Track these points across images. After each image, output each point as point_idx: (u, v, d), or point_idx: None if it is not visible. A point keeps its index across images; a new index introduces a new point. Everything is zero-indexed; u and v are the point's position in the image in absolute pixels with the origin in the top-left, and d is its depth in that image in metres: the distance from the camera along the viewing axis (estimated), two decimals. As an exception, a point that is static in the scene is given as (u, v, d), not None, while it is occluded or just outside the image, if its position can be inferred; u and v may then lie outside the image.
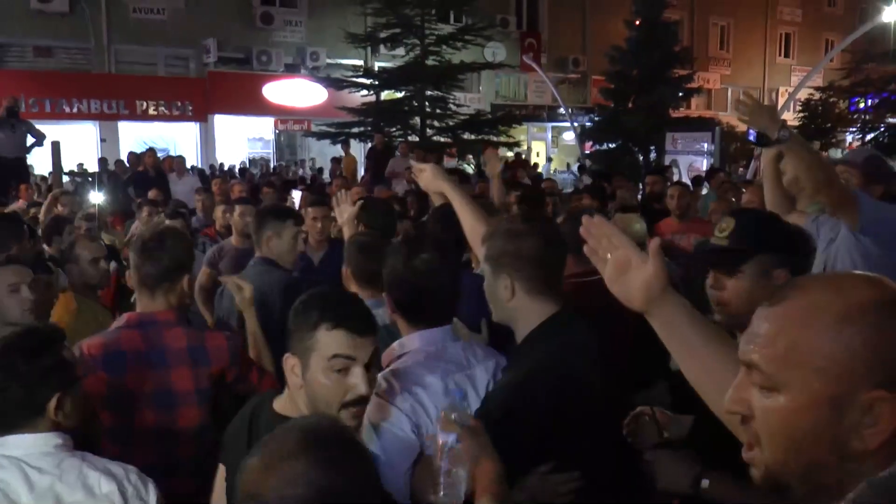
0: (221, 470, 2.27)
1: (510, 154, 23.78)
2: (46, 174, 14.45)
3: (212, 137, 23.87)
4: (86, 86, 21.66)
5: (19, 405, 2.21)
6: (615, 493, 2.30)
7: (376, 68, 22.04)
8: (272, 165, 23.34)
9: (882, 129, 27.71)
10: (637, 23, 21.20)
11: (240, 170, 20.12)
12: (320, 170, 21.37)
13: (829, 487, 1.16)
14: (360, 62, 22.60)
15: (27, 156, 12.51)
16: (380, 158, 14.66)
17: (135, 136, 21.55)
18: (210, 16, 22.69)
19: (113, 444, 2.75)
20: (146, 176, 12.33)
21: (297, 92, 24.25)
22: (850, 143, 28.62)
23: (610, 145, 21.62)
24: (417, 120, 19.11)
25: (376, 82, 20.22)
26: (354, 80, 20.25)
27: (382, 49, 21.41)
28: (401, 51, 19.76)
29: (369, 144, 17.84)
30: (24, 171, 12.41)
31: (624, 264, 1.74)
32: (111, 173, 15.69)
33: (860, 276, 1.26)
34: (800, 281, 1.29)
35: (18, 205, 8.81)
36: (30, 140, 12.19)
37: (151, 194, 9.33)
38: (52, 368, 2.25)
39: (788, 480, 1.21)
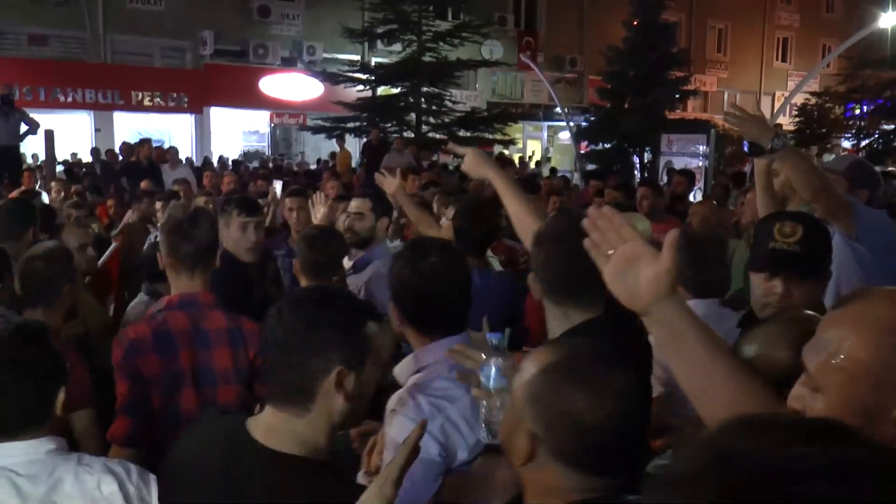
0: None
1: (506, 151, 23.79)
2: (39, 163, 14.40)
3: (207, 130, 23.79)
4: (81, 75, 21.55)
5: (28, 406, 2.10)
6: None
7: (373, 64, 21.99)
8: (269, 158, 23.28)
9: (876, 136, 27.76)
10: (635, 23, 21.21)
11: (233, 162, 20.03)
12: (326, 162, 21.28)
13: None
14: (356, 57, 22.53)
15: (20, 144, 12.44)
16: (375, 154, 14.63)
17: (130, 127, 21.45)
18: (207, 8, 22.61)
19: (157, 426, 2.74)
20: (139, 166, 12.29)
21: (293, 86, 24.18)
22: (850, 149, 28.65)
23: (605, 145, 21.64)
24: (413, 116, 19.09)
25: (373, 78, 20.18)
26: (351, 74, 20.21)
27: (379, 44, 21.34)
28: (398, 46, 19.74)
29: (364, 139, 17.82)
30: (17, 159, 12.34)
31: (631, 259, 1.60)
32: (104, 163, 15.63)
33: None
34: (867, 290, 1.29)
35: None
36: (23, 128, 12.12)
37: (144, 185, 9.29)
38: (55, 362, 2.18)
39: None
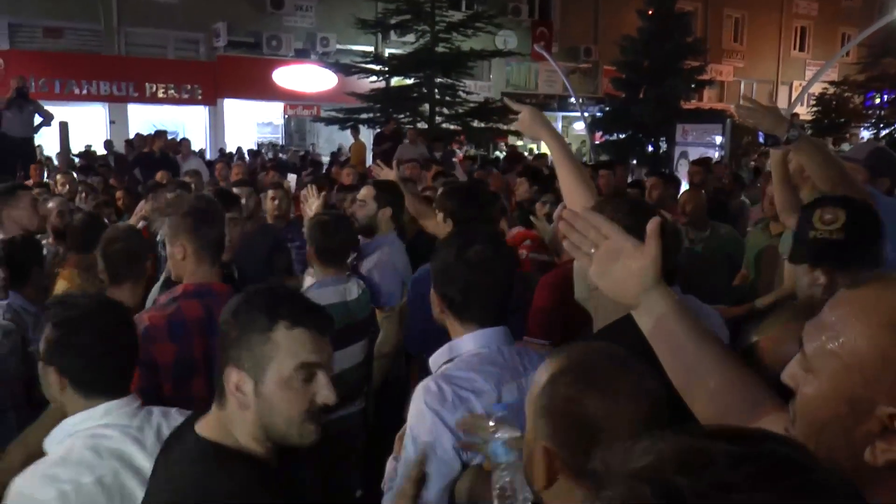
0: None
1: (520, 142, 23.69)
2: (54, 155, 14.46)
3: (221, 121, 23.84)
4: (96, 67, 21.63)
5: (117, 372, 2.20)
6: None
7: (386, 54, 21.94)
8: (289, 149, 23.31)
9: (897, 125, 27.50)
10: (650, 13, 21.06)
11: (250, 152, 20.08)
12: (334, 153, 21.27)
13: None
14: (370, 48, 22.49)
15: (35, 136, 12.49)
16: (387, 147, 14.58)
17: (144, 119, 21.49)
18: (221, 0, 22.63)
19: None
20: (152, 158, 12.33)
21: (306, 77, 24.18)
22: (869, 139, 28.39)
23: (620, 136, 21.52)
24: (427, 107, 19.02)
25: (386, 69, 20.12)
26: (364, 66, 20.15)
27: (393, 35, 21.30)
28: (411, 37, 19.66)
29: (378, 130, 17.78)
30: (31, 150, 12.42)
31: (615, 254, 1.60)
32: (117, 155, 15.69)
33: None
34: (883, 276, 1.22)
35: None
36: (37, 120, 12.18)
37: (159, 176, 9.30)
38: (135, 338, 2.30)
39: None
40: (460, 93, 19.38)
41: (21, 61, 19.37)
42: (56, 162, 13.26)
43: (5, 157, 11.13)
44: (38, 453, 2.08)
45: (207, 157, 19.03)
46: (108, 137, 19.94)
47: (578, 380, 1.39)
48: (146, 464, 2.03)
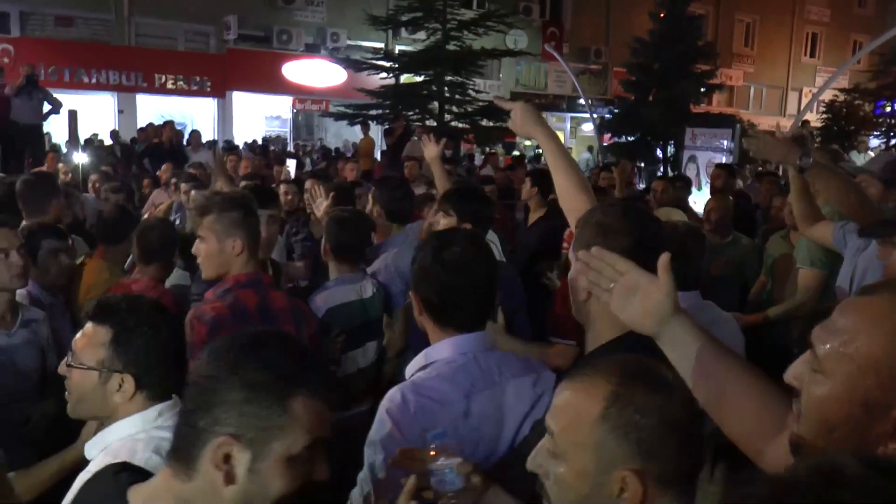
0: None
1: (528, 142, 23.62)
2: (62, 143, 14.47)
3: (229, 114, 23.86)
4: (105, 57, 21.65)
5: (176, 374, 2.14)
6: None
7: (396, 51, 21.91)
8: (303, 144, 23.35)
9: (906, 134, 27.37)
10: (661, 15, 20.98)
11: (262, 145, 20.09)
12: (338, 149, 21.26)
13: None
14: (380, 45, 22.44)
15: (43, 123, 12.50)
16: (397, 142, 14.56)
17: (152, 109, 21.51)
18: (232, -8, 22.67)
19: None
20: (161, 148, 12.33)
21: (316, 72, 24.18)
22: (879, 147, 28.29)
23: (629, 138, 21.46)
24: (436, 105, 18.96)
25: (396, 65, 20.08)
26: (374, 62, 20.12)
27: (403, 32, 21.27)
28: (422, 35, 19.60)
29: (386, 126, 17.76)
30: (40, 137, 12.43)
31: (632, 288, 1.67)
32: (124, 145, 15.69)
33: None
34: (893, 283, 1.27)
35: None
36: (46, 107, 12.19)
37: (166, 167, 9.29)
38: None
39: None
40: (470, 91, 19.31)
41: (31, 49, 19.40)
42: (65, 150, 13.26)
43: (14, 143, 11.15)
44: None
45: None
46: (116, 127, 19.97)
47: (642, 387, 1.35)
48: None
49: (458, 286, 2.11)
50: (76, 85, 20.66)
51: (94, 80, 21.50)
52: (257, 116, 24.93)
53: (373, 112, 19.16)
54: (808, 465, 0.87)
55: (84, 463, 1.99)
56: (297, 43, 23.86)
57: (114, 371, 2.03)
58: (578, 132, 30.82)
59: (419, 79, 19.79)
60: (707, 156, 15.38)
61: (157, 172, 9.12)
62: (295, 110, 25.57)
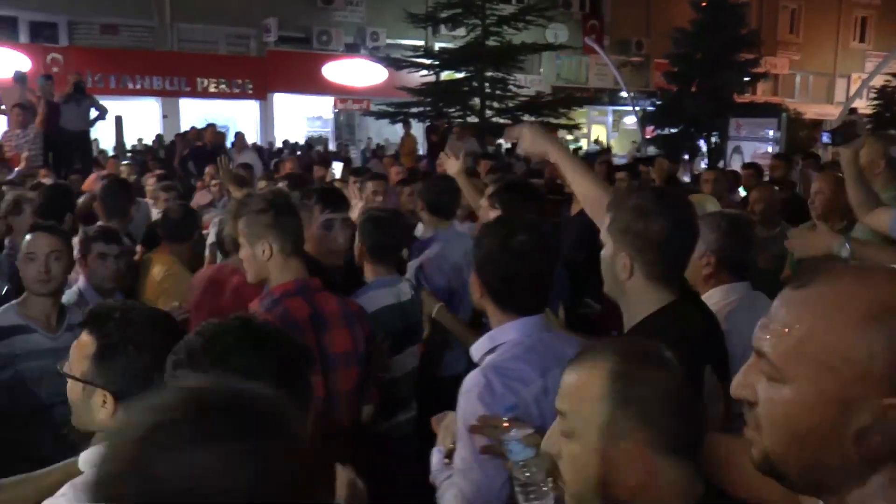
0: None
1: (570, 136, 23.49)
2: (109, 148, 14.74)
3: (271, 116, 24.07)
4: (149, 63, 21.99)
5: None
6: None
7: (436, 49, 21.91)
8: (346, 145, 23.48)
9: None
10: (703, 4, 20.68)
11: (306, 145, 20.25)
12: (376, 149, 21.34)
13: (828, 487, 1.12)
14: (420, 42, 22.45)
15: (91, 129, 12.73)
16: (441, 140, 14.56)
17: (195, 113, 21.78)
18: (272, -5, 22.86)
19: None
20: (205, 151, 12.48)
21: (356, 72, 24.29)
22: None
23: (671, 130, 21.21)
24: (477, 101, 18.92)
25: (436, 63, 20.07)
26: (414, 60, 20.14)
27: (443, 29, 21.25)
28: (461, 31, 19.57)
29: (427, 124, 17.78)
30: (87, 143, 12.66)
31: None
32: (168, 148, 15.92)
33: None
34: (831, 267, 1.18)
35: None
36: (93, 114, 12.41)
37: (210, 169, 9.38)
38: None
39: (787, 472, 1.14)
40: (511, 87, 19.23)
41: (78, 57, 19.78)
42: (110, 155, 13.50)
43: (63, 149, 11.36)
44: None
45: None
46: (161, 132, 20.27)
47: (642, 363, 1.44)
48: None
49: (523, 272, 2.21)
50: (121, 91, 21.01)
51: (138, 86, 21.86)
52: (299, 117, 25.12)
53: (414, 110, 19.18)
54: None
55: None
56: (336, 43, 23.99)
57: (96, 386, 1.93)
58: (621, 125, 30.55)
59: (460, 75, 19.76)
60: (752, 146, 15.16)
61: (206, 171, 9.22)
62: (336, 110, 25.71)
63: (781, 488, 1.20)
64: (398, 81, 20.51)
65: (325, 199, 3.77)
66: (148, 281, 4.32)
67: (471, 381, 2.12)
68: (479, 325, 3.23)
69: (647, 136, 21.61)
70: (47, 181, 7.87)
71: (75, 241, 4.22)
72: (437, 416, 2.29)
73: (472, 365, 2.28)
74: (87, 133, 12.55)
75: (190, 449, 0.87)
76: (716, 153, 19.20)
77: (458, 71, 19.80)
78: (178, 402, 0.93)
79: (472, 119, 18.45)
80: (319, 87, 24.16)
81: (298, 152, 16.92)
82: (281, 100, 24.22)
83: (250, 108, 24.01)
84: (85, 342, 1.97)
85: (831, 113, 27.71)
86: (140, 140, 18.47)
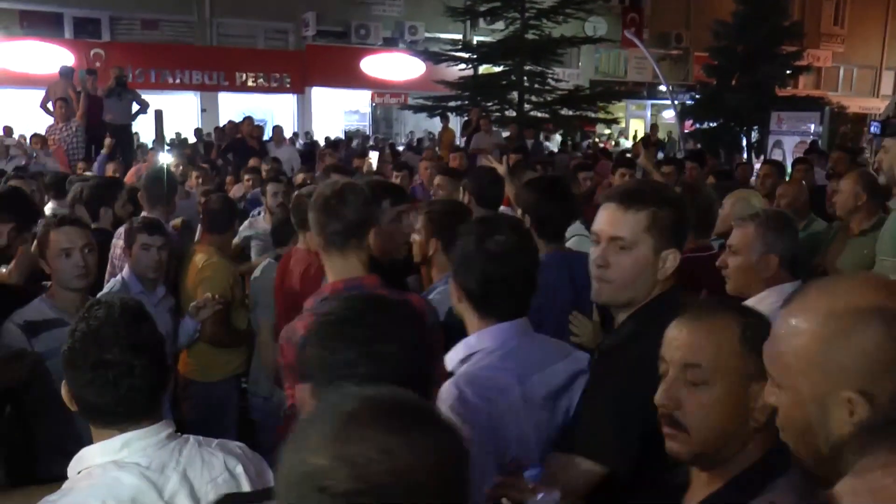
0: None
1: (607, 130, 23.29)
2: (149, 142, 14.91)
3: (309, 109, 24.17)
4: (188, 58, 22.18)
5: (150, 390, 1.86)
6: None
7: (475, 42, 21.84)
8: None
9: None
10: (745, -4, 20.35)
11: (347, 138, 20.34)
12: (410, 143, 21.34)
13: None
14: (458, 36, 22.42)
15: (132, 123, 12.92)
16: (474, 133, 14.53)
17: (234, 107, 21.94)
18: (310, -10, 22.94)
19: None
20: (244, 143, 12.61)
21: (394, 65, 24.30)
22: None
23: (711, 124, 20.94)
24: (515, 95, 18.84)
25: (475, 56, 20.02)
26: (453, 53, 20.11)
27: (482, 23, 21.20)
28: (500, 24, 19.50)
29: (465, 118, 17.73)
30: (129, 137, 12.88)
31: None
32: (207, 142, 16.08)
33: (863, 280, 1.32)
34: (808, 285, 1.34)
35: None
36: (135, 108, 12.61)
37: (253, 162, 9.45)
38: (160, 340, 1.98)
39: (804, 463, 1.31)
40: (549, 80, 19.13)
41: (120, 52, 20.03)
42: (151, 147, 13.67)
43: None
44: None
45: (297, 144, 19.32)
46: (199, 125, 20.49)
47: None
48: None
49: (502, 275, 2.09)
50: (161, 85, 21.22)
51: (178, 81, 22.05)
52: (336, 111, 25.20)
53: (452, 104, 19.16)
54: None
55: None
56: (375, 37, 24.02)
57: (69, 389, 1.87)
58: (660, 119, 30.24)
59: (498, 69, 19.70)
60: (793, 140, 14.91)
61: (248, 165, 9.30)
62: (374, 104, 25.76)
63: None
64: (436, 75, 20.49)
65: (388, 191, 3.57)
66: (190, 269, 4.46)
67: (443, 393, 2.00)
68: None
69: (686, 131, 21.35)
70: (87, 174, 8.00)
71: (119, 231, 4.30)
72: None
73: None
74: (129, 127, 12.74)
75: (382, 440, 1.05)
76: (756, 147, 18.93)
77: (497, 65, 19.74)
78: (360, 403, 1.11)
79: (510, 113, 18.38)
80: (357, 80, 24.21)
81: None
82: (319, 94, 24.31)
83: (288, 102, 24.13)
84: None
85: (877, 106, 27.19)
86: (178, 134, 18.65)
